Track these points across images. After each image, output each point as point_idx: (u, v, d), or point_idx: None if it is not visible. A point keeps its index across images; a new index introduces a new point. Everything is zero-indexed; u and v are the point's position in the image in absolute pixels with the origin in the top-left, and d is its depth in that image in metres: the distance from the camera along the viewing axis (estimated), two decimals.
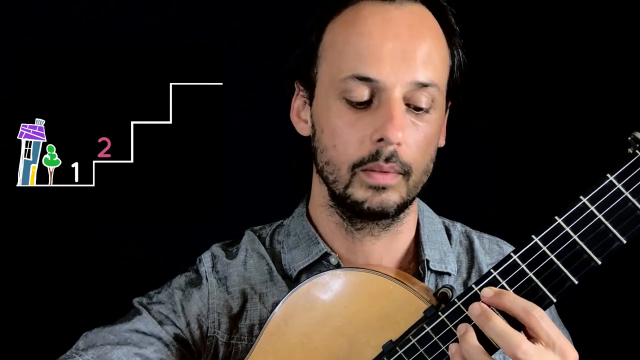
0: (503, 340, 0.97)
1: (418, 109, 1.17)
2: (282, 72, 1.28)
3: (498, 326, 0.98)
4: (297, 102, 1.28)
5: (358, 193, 1.17)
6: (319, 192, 1.26)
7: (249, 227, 1.37)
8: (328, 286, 1.11)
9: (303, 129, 1.27)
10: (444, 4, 1.23)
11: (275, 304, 1.14)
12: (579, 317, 1.39)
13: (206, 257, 1.30)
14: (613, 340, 1.79)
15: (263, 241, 1.31)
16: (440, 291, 1.06)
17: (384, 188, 1.16)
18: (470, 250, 1.31)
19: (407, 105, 1.16)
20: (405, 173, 1.17)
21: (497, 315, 0.99)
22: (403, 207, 1.19)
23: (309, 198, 1.31)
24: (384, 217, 1.19)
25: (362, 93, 1.16)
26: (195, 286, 1.27)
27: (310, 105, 1.24)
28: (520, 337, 0.97)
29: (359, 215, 1.20)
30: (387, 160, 1.15)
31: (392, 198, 1.17)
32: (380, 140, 1.14)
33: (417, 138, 1.17)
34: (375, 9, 1.18)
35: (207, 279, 1.27)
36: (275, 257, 1.29)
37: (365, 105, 1.16)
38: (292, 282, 1.26)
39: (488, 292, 1.00)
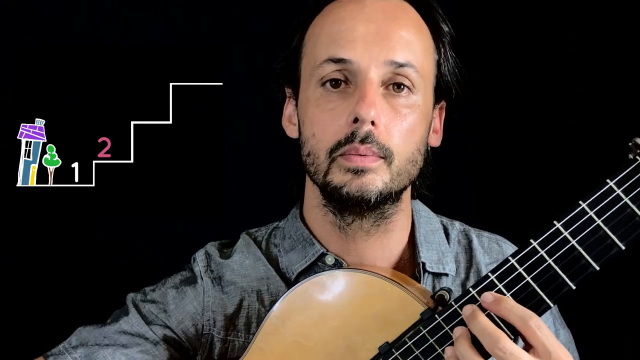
0: (484, 336, 0.98)
1: (397, 87, 1.17)
2: (271, 78, 1.31)
3: (481, 323, 0.98)
4: (289, 108, 1.29)
5: (337, 178, 1.16)
6: (312, 193, 1.26)
7: (249, 227, 1.37)
8: (325, 286, 1.11)
9: (292, 132, 1.28)
10: (430, 1, 1.24)
11: (273, 304, 1.14)
12: (578, 318, 1.39)
13: (200, 257, 1.30)
14: (612, 341, 1.79)
15: (259, 244, 1.31)
16: (438, 293, 1.06)
17: (362, 171, 1.15)
18: (469, 250, 1.30)
19: (386, 88, 1.17)
20: (386, 157, 1.16)
21: (482, 314, 0.99)
22: (387, 195, 1.17)
23: (303, 201, 1.31)
24: (364, 202, 1.16)
25: (336, 75, 1.17)
26: (190, 284, 1.27)
27: (297, 105, 1.26)
28: (500, 334, 0.97)
29: (342, 204, 1.18)
30: (362, 141, 1.14)
31: (372, 182, 1.15)
32: (356, 121, 1.14)
33: (399, 124, 1.16)
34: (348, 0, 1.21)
35: (201, 278, 1.28)
36: (272, 260, 1.29)
37: (343, 91, 1.17)
38: (291, 284, 1.25)
39: (488, 297, 1.00)
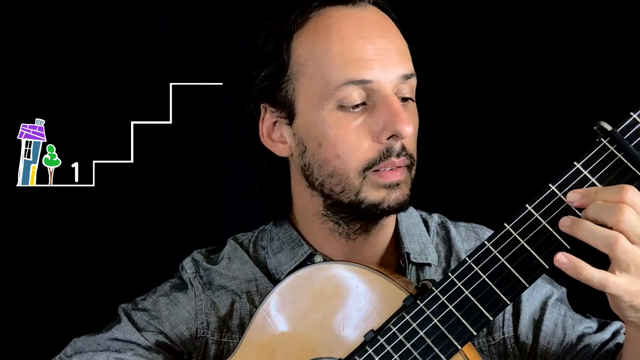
0: (600, 239, 0.94)
1: (405, 99, 1.20)
2: (246, 97, 1.27)
3: (590, 226, 0.95)
4: (266, 124, 1.26)
5: (372, 195, 1.18)
6: (309, 204, 1.25)
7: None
8: (312, 279, 1.13)
9: (283, 150, 1.25)
10: (385, 6, 1.26)
11: (262, 299, 1.16)
12: None
13: (188, 264, 1.31)
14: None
15: (246, 249, 1.32)
16: (422, 282, 1.08)
17: (397, 185, 1.18)
18: (448, 240, 1.32)
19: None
20: (411, 165, 1.20)
21: (585, 219, 0.96)
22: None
23: (292, 209, 1.30)
24: (399, 211, 1.21)
25: (358, 97, 1.17)
26: (181, 291, 1.28)
27: (290, 124, 1.23)
28: (615, 232, 0.93)
29: (375, 217, 1.21)
30: (398, 155, 1.17)
31: (405, 192, 1.19)
32: (390, 137, 1.16)
33: (414, 132, 1.21)
34: (340, 14, 1.20)
35: (191, 284, 1.28)
36: (260, 262, 1.30)
37: (362, 109, 1.18)
38: None
39: (575, 196, 0.97)
